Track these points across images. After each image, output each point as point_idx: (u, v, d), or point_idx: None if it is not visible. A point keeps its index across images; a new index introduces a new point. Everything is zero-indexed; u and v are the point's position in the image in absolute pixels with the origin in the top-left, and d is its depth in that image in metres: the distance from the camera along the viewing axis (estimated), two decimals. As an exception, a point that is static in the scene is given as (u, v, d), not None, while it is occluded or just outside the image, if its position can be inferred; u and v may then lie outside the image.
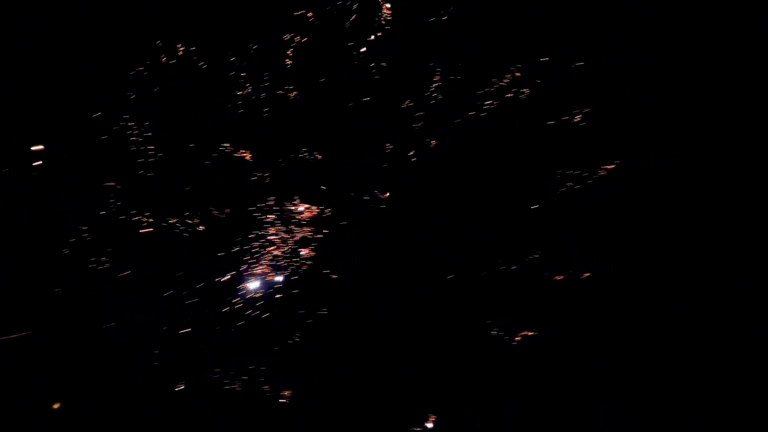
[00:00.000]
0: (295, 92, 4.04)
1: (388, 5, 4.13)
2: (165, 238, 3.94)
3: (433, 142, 4.08)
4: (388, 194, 3.91)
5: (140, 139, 4.01)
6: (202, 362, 3.82)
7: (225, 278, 3.93)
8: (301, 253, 3.98)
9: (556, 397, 3.67)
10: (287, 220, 3.98)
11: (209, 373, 3.80)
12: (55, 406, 3.71)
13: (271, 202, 3.98)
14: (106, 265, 3.89)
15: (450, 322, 3.85)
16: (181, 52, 4.10)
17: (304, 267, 3.97)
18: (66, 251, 3.90)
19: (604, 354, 3.71)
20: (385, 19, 4.18)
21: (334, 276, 3.95)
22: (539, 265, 3.88)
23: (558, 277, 3.85)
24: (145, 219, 3.92)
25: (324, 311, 3.89)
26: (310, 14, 3.94)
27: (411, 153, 4.06)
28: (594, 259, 3.86)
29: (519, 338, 3.79)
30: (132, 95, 4.06)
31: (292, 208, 4.01)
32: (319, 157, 4.00)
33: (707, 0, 4.06)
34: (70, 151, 4.02)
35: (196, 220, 3.94)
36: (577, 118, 3.99)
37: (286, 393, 3.78)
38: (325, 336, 3.86)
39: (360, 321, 3.88)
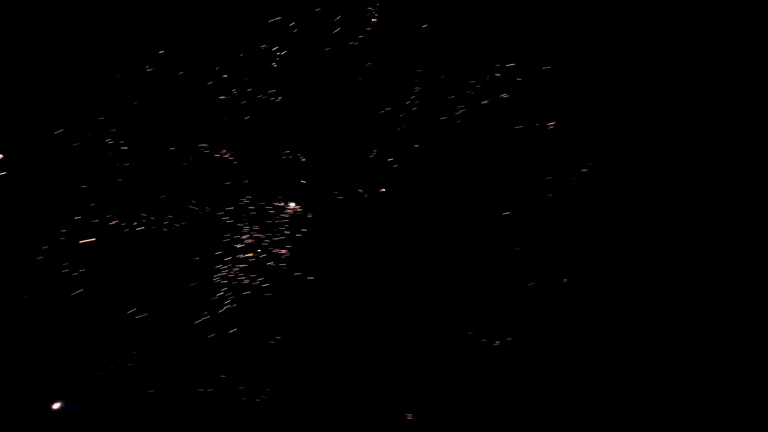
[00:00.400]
0: (280, 96, 4.04)
1: (377, 4, 4.13)
2: (159, 239, 3.94)
3: (432, 142, 4.07)
4: (383, 190, 3.91)
5: (136, 140, 4.01)
6: (202, 362, 3.82)
7: (216, 278, 3.93)
8: (294, 252, 3.98)
9: (556, 397, 3.67)
10: (271, 220, 3.98)
11: (209, 373, 3.80)
12: (56, 406, 3.71)
13: (251, 203, 3.98)
14: (103, 266, 3.90)
15: (450, 322, 3.85)
16: (178, 53, 4.10)
17: (304, 266, 3.97)
18: (65, 251, 3.90)
19: (604, 354, 3.71)
20: (383, 19, 4.18)
21: (331, 276, 3.95)
22: (539, 265, 3.88)
23: (558, 277, 3.85)
24: (125, 222, 3.92)
25: (321, 311, 3.89)
26: (292, 23, 3.96)
27: (409, 153, 4.06)
28: (594, 259, 3.86)
29: (519, 338, 3.79)
30: (132, 96, 4.06)
31: (275, 207, 4.00)
32: (303, 159, 4.00)
33: (707, 0, 4.06)
34: (70, 151, 4.02)
35: (183, 221, 3.94)
36: (576, 119, 3.99)
37: (287, 393, 3.78)
38: (324, 336, 3.86)
39: (360, 321, 3.88)
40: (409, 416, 3.65)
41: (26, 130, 4.02)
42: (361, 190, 3.92)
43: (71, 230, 3.91)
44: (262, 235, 3.96)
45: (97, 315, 3.84)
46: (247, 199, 3.98)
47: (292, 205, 3.96)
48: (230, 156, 4.03)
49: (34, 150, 4.01)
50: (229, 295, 3.88)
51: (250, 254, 3.91)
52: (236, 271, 3.91)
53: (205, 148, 4.02)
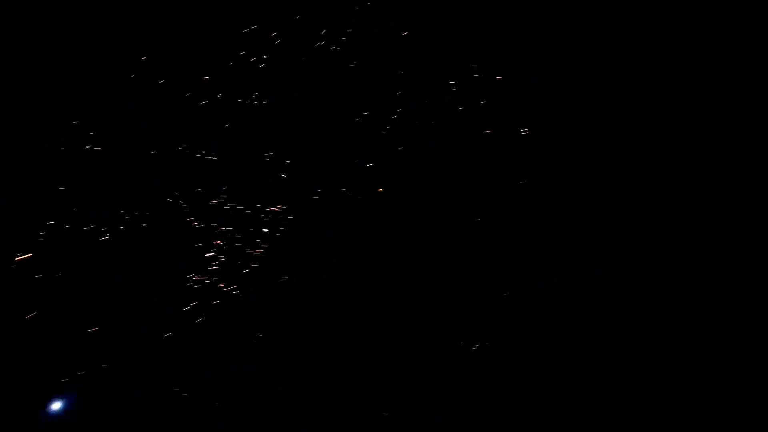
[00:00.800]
0: (265, 100, 4.04)
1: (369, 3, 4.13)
2: (149, 240, 3.94)
3: (432, 142, 4.08)
4: (381, 190, 3.91)
5: (120, 140, 4.01)
6: (202, 362, 3.82)
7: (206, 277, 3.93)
8: (290, 253, 3.98)
9: (556, 397, 3.67)
10: (259, 222, 3.98)
11: (209, 373, 3.80)
12: (56, 406, 3.72)
13: (240, 205, 3.97)
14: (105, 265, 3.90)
15: (450, 322, 3.85)
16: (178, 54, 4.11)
17: (302, 267, 3.97)
18: (65, 251, 3.90)
19: (604, 354, 3.71)
20: (381, 19, 4.18)
21: (329, 276, 3.95)
22: (539, 265, 3.88)
23: (558, 278, 3.85)
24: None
25: (319, 311, 3.89)
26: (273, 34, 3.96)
27: (409, 154, 4.06)
28: (594, 259, 3.86)
29: (519, 338, 3.79)
30: (125, 97, 4.06)
31: (266, 210, 4.00)
32: (288, 162, 4.00)
33: (707, 0, 4.06)
34: (70, 151, 4.02)
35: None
36: (577, 118, 3.99)
37: (286, 393, 3.78)
38: (324, 336, 3.86)
39: (360, 321, 3.88)
40: (386, 414, 3.65)
41: (26, 130, 4.02)
42: (348, 191, 3.92)
43: (51, 231, 3.91)
44: (251, 237, 3.96)
45: (94, 315, 3.84)
46: (226, 200, 3.98)
47: (274, 207, 3.97)
48: (215, 157, 4.03)
49: (34, 150, 4.01)
50: (222, 296, 3.89)
51: (226, 257, 3.91)
52: (227, 271, 3.92)
53: (190, 150, 4.01)
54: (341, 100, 4.14)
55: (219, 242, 3.96)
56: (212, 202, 4.02)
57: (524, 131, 3.86)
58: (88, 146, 3.99)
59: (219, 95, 4.09)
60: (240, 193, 4.03)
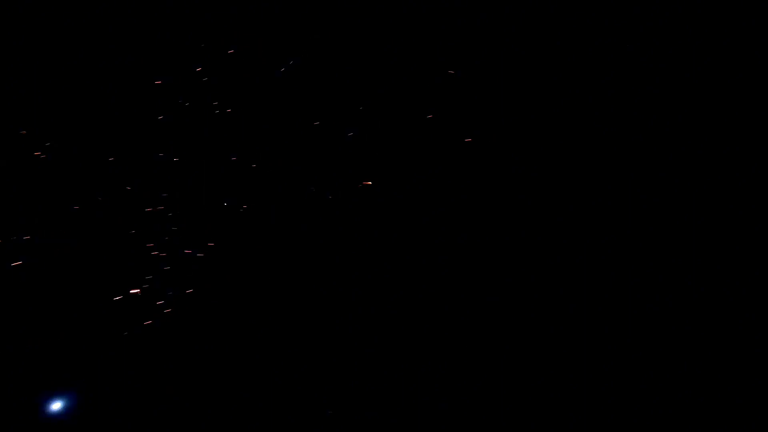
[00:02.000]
0: (229, 109, 4.03)
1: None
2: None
3: (431, 141, 4.08)
4: (369, 183, 3.91)
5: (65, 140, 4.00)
6: (201, 362, 3.83)
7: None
8: (285, 253, 3.98)
9: (556, 397, 3.68)
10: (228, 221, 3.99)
11: (208, 373, 3.81)
12: (56, 406, 3.72)
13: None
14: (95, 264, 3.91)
15: (450, 322, 3.85)
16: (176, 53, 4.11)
17: (300, 267, 3.98)
18: (63, 249, 3.91)
19: (604, 354, 3.72)
20: (384, 16, 4.18)
21: (328, 275, 3.95)
22: (540, 265, 3.88)
23: (557, 277, 3.85)
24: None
25: (317, 310, 3.90)
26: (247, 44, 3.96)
27: (404, 152, 4.07)
28: (595, 259, 3.86)
29: (519, 338, 3.80)
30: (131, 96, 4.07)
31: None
32: (255, 165, 4.00)
33: (707, 0, 4.07)
34: (70, 151, 4.03)
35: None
36: (576, 117, 4.00)
37: (288, 393, 3.78)
38: (324, 336, 3.87)
39: (360, 321, 3.89)
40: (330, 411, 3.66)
41: (26, 130, 4.03)
42: (318, 190, 3.93)
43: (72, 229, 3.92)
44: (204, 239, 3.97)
45: (99, 314, 3.85)
46: (193, 202, 3.99)
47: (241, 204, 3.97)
48: (178, 159, 4.03)
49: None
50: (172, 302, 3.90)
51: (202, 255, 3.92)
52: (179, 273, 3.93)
53: (148, 153, 4.01)
54: (308, 104, 4.14)
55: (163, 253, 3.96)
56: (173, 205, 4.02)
57: (467, 137, 3.88)
58: (35, 153, 3.98)
59: (185, 103, 4.08)
60: (211, 194, 4.04)
